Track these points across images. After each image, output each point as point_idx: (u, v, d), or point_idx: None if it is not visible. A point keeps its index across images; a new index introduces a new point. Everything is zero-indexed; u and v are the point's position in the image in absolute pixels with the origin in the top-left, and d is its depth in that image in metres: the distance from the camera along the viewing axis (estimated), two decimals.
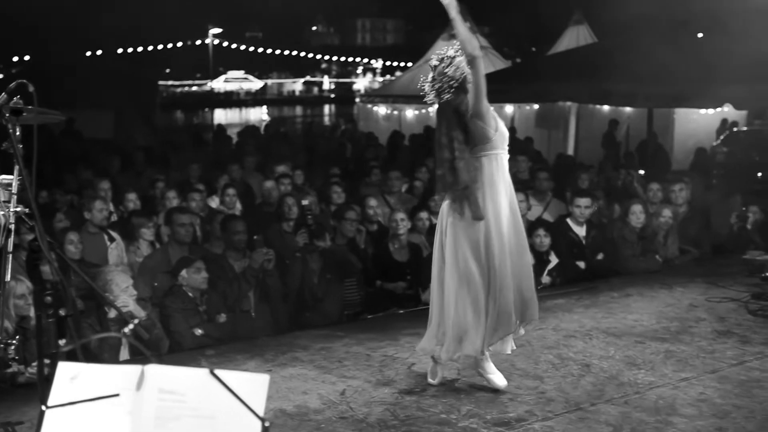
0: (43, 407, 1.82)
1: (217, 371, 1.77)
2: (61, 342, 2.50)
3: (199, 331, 5.98)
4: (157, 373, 1.80)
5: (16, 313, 5.24)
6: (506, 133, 4.87)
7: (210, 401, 1.77)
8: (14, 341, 3.62)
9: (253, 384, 1.78)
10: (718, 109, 12.69)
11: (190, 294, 6.06)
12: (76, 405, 1.81)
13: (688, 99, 11.68)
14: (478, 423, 4.54)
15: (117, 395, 1.80)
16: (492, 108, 4.80)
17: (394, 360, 5.63)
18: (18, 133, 2.80)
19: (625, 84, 11.68)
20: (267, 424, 1.73)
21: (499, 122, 4.82)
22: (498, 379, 4.95)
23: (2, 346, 3.45)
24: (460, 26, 4.60)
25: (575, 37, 22.66)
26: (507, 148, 4.88)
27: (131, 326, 2.56)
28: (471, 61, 4.60)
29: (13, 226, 2.89)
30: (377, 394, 4.99)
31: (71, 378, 1.84)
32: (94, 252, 6.83)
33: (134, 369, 1.82)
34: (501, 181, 4.79)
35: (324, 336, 6.26)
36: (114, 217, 8.15)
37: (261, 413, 1.75)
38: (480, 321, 4.77)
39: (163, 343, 5.75)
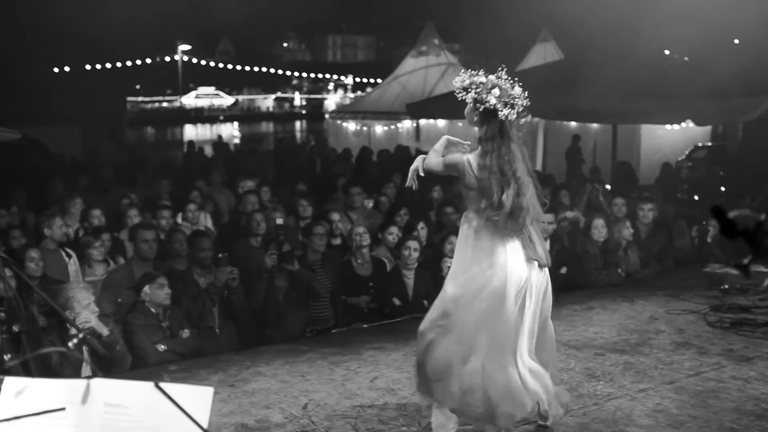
0: None
1: (163, 384, 1.80)
2: (6, 357, 2.50)
3: (162, 347, 5.96)
4: (103, 386, 1.83)
5: None
6: None
7: (155, 414, 1.80)
8: None
9: (197, 396, 1.81)
10: (683, 125, 12.89)
11: (153, 310, 6.04)
12: (22, 419, 1.82)
13: (651, 115, 11.84)
14: None
15: (62, 409, 1.82)
16: None
17: (356, 374, 5.66)
18: None
19: (589, 100, 11.83)
20: None
21: None
22: None
23: None
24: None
25: (542, 53, 22.98)
26: None
27: (75, 340, 2.57)
28: None
29: None
30: (339, 408, 5.02)
31: (17, 393, 1.85)
32: (54, 268, 6.79)
33: (80, 383, 1.84)
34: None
35: (288, 350, 6.27)
36: (81, 233, 8.10)
37: (205, 425, 1.78)
38: None
39: (126, 359, 5.71)
